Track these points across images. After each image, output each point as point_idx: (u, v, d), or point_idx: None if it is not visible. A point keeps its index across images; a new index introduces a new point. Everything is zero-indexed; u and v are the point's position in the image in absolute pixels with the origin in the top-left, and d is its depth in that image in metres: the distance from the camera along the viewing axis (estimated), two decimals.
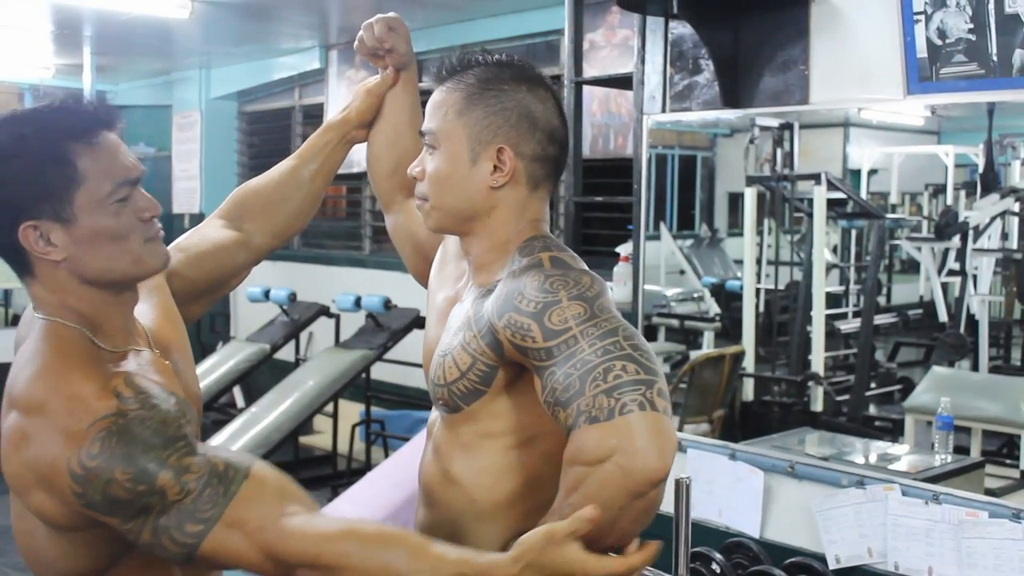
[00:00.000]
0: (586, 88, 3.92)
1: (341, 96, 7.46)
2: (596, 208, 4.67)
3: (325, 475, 6.29)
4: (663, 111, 3.43)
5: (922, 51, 2.79)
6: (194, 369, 1.73)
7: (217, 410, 7.25)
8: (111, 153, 1.47)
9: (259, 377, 6.87)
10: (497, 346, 1.51)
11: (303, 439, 6.63)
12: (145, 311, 1.65)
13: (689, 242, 7.42)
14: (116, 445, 1.35)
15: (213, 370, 6.50)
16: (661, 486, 1.36)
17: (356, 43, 1.94)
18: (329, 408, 6.12)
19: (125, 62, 8.69)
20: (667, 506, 2.04)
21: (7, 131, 1.44)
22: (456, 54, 1.66)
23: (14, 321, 8.82)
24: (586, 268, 1.55)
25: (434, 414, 1.71)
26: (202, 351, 7.53)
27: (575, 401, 1.38)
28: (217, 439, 5.57)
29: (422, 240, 1.88)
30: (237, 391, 7.57)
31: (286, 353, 6.87)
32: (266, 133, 8.83)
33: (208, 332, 8.04)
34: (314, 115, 8.06)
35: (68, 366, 1.43)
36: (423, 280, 1.88)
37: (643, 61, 3.45)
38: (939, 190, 7.19)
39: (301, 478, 6.57)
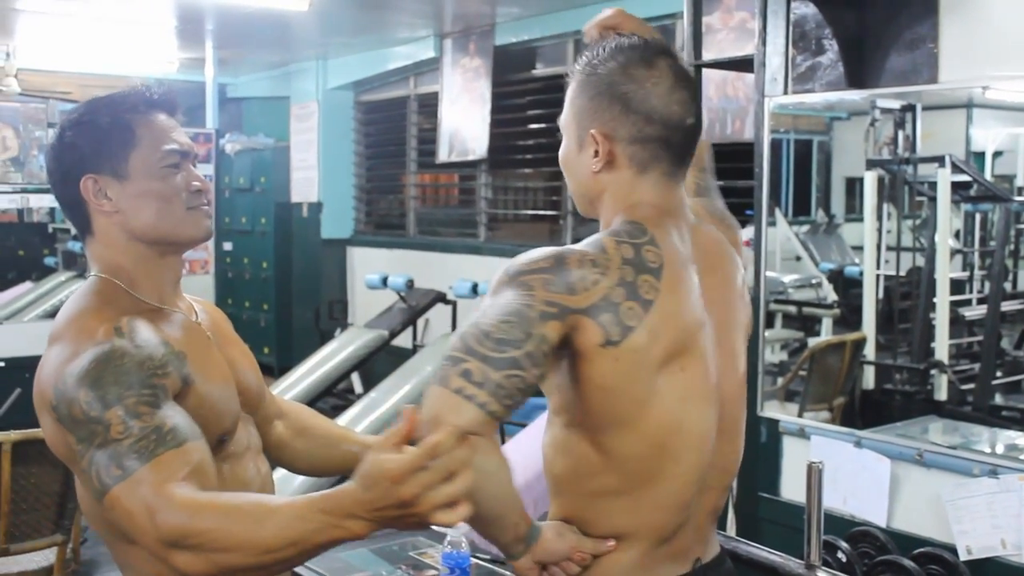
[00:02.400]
0: (704, 72, 3.88)
1: (456, 84, 7.51)
2: None
3: None
4: (785, 93, 3.38)
5: None
6: (252, 367, 1.84)
7: (336, 395, 7.39)
8: (164, 127, 1.68)
9: (377, 363, 6.98)
10: None
11: None
12: (217, 325, 1.83)
13: (805, 228, 7.29)
14: (92, 370, 1.47)
15: (332, 356, 6.61)
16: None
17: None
18: None
19: (245, 55, 8.89)
20: (797, 494, 2.03)
21: (86, 105, 1.68)
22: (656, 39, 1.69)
23: None
24: (584, 256, 1.53)
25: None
26: (321, 338, 7.67)
27: None
28: (337, 424, 5.67)
29: None
30: (355, 377, 7.69)
31: (404, 339, 6.96)
32: (382, 122, 8.94)
33: (327, 319, 8.18)
34: (429, 103, 8.14)
35: (95, 307, 1.60)
36: None
37: (764, 42, 3.40)
38: None
39: None
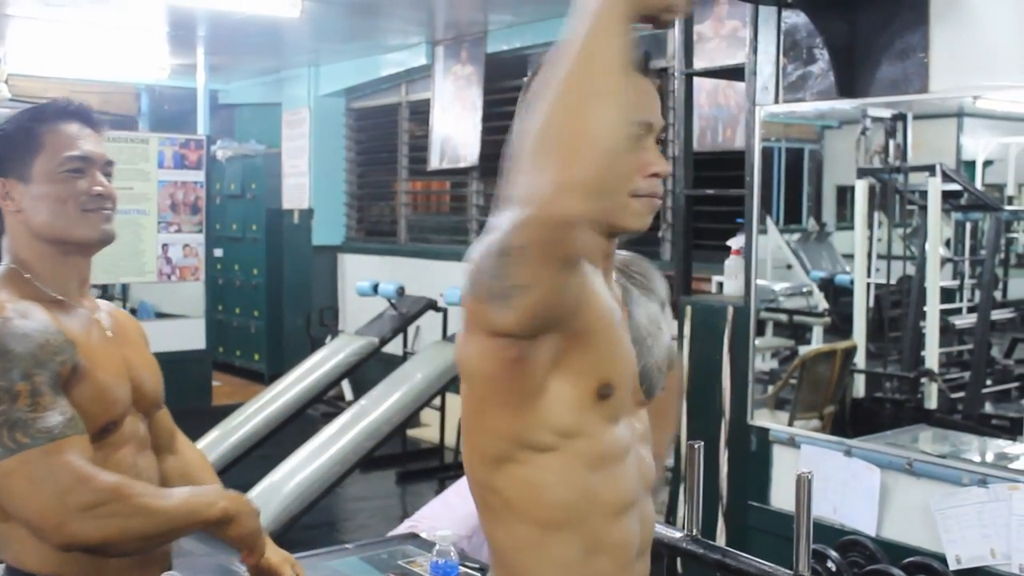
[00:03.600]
0: (694, 81, 3.88)
1: (447, 91, 7.51)
2: (704, 201, 4.63)
3: (432, 467, 6.35)
4: (776, 102, 3.39)
5: None
6: (152, 372, 2.02)
7: (326, 403, 7.38)
8: (72, 135, 1.84)
9: (368, 370, 6.96)
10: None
11: (411, 432, 6.72)
12: (122, 326, 1.96)
13: (796, 236, 7.29)
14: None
15: (322, 363, 6.60)
16: None
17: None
18: (437, 401, 6.17)
19: (237, 61, 8.88)
20: (787, 503, 2.02)
21: (10, 117, 1.87)
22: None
23: (131, 314, 9.09)
24: None
25: (627, 428, 1.58)
26: (311, 345, 7.66)
27: None
28: (327, 431, 5.67)
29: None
30: (346, 384, 7.68)
31: (394, 347, 6.96)
32: (373, 129, 8.94)
33: (317, 326, 8.17)
34: (420, 111, 8.13)
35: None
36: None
37: (755, 51, 3.41)
38: None
39: (409, 470, 6.71)
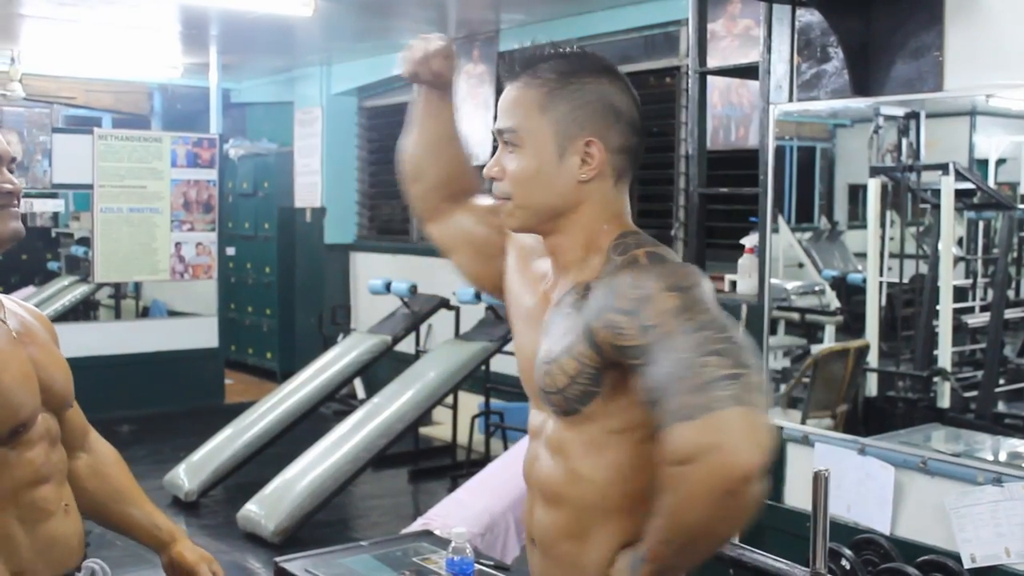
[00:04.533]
0: (708, 79, 3.88)
1: (459, 90, 7.49)
2: (717, 200, 4.63)
3: (445, 466, 6.36)
4: (790, 100, 3.39)
5: None
6: (62, 372, 1.96)
7: (339, 401, 7.39)
8: None
9: (380, 369, 6.97)
10: (597, 348, 1.50)
11: (423, 430, 6.72)
12: (29, 327, 1.92)
13: (808, 235, 7.28)
14: None
15: (335, 362, 6.61)
16: (756, 483, 1.32)
17: (403, 66, 1.94)
18: (449, 400, 6.18)
19: (249, 60, 8.90)
20: (801, 501, 2.03)
21: None
22: (525, 49, 1.65)
23: (144, 312, 9.12)
24: (682, 261, 1.56)
25: (539, 417, 1.68)
26: (323, 343, 7.68)
27: (667, 399, 1.36)
28: (340, 429, 5.68)
29: (481, 243, 1.88)
30: (358, 382, 7.70)
31: (407, 345, 6.96)
32: (386, 128, 8.94)
33: (330, 324, 8.18)
34: None
35: None
36: (485, 284, 1.91)
37: (769, 50, 3.41)
38: None
39: (421, 468, 6.72)
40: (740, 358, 1.36)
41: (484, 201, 1.88)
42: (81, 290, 8.66)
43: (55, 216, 9.31)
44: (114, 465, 2.10)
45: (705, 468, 1.31)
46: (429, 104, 1.94)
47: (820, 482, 1.87)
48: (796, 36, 3.35)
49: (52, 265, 9.34)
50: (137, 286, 9.01)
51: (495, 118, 1.66)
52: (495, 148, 1.68)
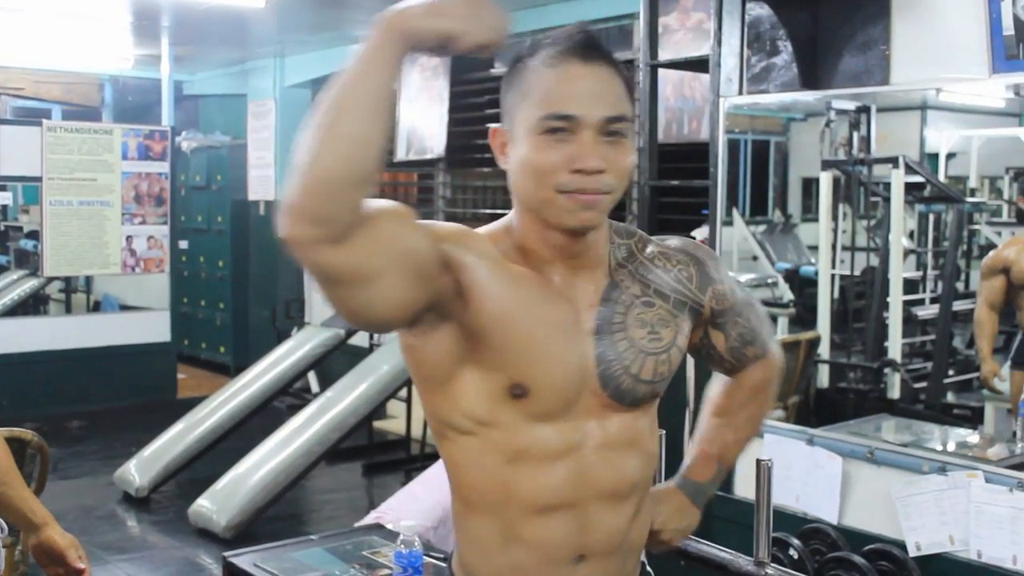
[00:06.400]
0: (660, 72, 3.90)
1: (413, 83, 7.49)
2: (669, 192, 4.65)
3: (399, 459, 6.35)
4: (740, 93, 3.40)
5: (1008, 29, 2.74)
6: None
7: (292, 395, 7.36)
8: None
9: (333, 362, 6.95)
10: (698, 318, 1.68)
11: (377, 424, 6.70)
12: None
13: (762, 228, 7.33)
14: None
15: (288, 355, 6.58)
16: None
17: (491, 34, 1.41)
18: (403, 393, 6.17)
19: (202, 52, 8.82)
20: (751, 492, 2.04)
21: None
22: (585, 29, 1.53)
23: (95, 307, 9.02)
24: None
25: (579, 428, 1.56)
26: (277, 337, 7.63)
27: (759, 336, 1.77)
28: (293, 423, 5.65)
29: (424, 261, 1.44)
30: (312, 376, 7.66)
31: (360, 338, 6.94)
32: None
33: (283, 318, 8.13)
34: None
35: None
36: (407, 315, 1.46)
37: (719, 43, 3.42)
38: (1020, 174, 7.01)
39: (375, 462, 6.69)
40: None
41: (395, 207, 1.45)
42: (31, 284, 8.55)
43: (3, 209, 9.17)
44: None
45: (778, 374, 1.84)
46: (392, 85, 1.41)
47: (763, 472, 1.88)
48: (746, 30, 3.37)
49: (1, 259, 9.21)
50: (88, 280, 8.91)
51: (579, 102, 1.47)
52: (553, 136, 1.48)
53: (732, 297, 1.70)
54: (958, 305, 5.95)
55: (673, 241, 1.69)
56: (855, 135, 5.49)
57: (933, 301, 5.89)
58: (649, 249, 1.63)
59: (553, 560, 1.57)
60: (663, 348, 1.58)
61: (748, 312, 1.74)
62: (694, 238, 3.69)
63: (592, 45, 1.51)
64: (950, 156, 7.05)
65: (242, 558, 2.51)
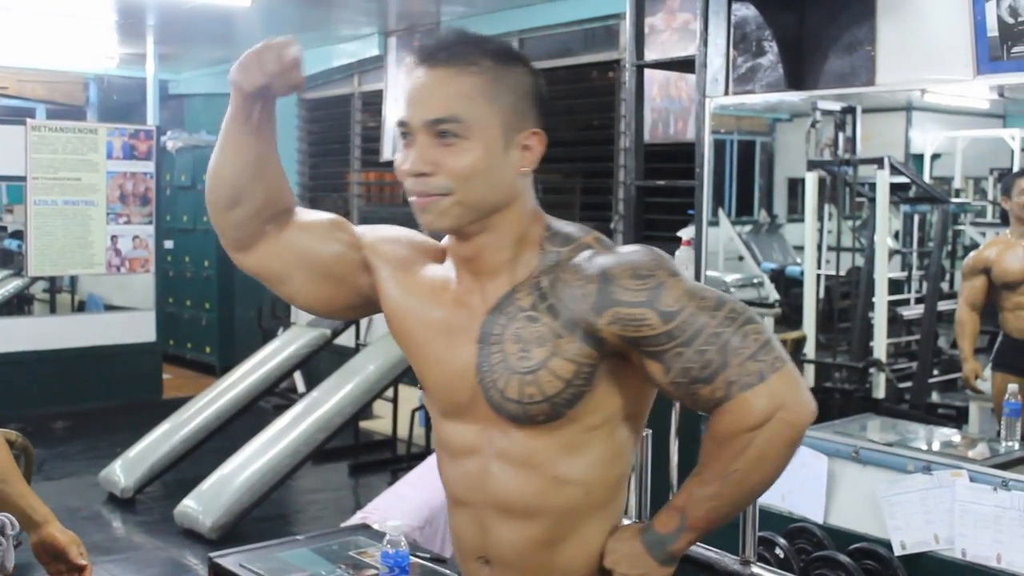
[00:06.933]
0: (646, 73, 3.90)
1: (400, 82, 7.48)
2: (655, 192, 4.66)
3: (385, 459, 6.34)
4: (726, 94, 3.41)
5: (993, 30, 2.75)
6: None
7: (278, 395, 7.34)
8: None
9: (320, 362, 6.94)
10: (599, 344, 1.46)
11: (363, 424, 6.69)
12: None
13: (748, 228, 7.35)
14: None
15: (274, 355, 6.56)
16: None
17: (250, 77, 1.59)
18: (389, 393, 6.16)
19: (187, 51, 8.80)
20: None
21: None
22: (438, 32, 1.60)
23: (80, 307, 8.99)
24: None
25: (472, 431, 1.57)
26: (263, 337, 7.62)
27: (721, 374, 1.41)
28: (279, 423, 5.64)
29: (328, 263, 1.64)
30: (298, 376, 7.64)
31: (346, 338, 6.92)
32: (326, 120, 8.89)
33: (269, 318, 8.11)
34: (373, 102, 8.10)
35: None
36: (335, 307, 1.69)
37: (705, 43, 3.43)
38: (1004, 174, 7.05)
39: (361, 462, 6.68)
40: (760, 324, 1.44)
41: (316, 216, 1.69)
42: (15, 284, 8.51)
43: None
44: None
45: (776, 427, 1.41)
46: (261, 119, 1.61)
47: None
48: (732, 30, 3.38)
49: None
50: (72, 280, 8.87)
51: (408, 107, 1.49)
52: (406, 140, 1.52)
53: (666, 323, 1.42)
54: (943, 305, 5.97)
55: (625, 250, 1.49)
56: (840, 136, 5.51)
57: (918, 301, 5.92)
58: (575, 260, 1.49)
59: (465, 554, 1.65)
60: (530, 369, 1.47)
61: (703, 343, 1.41)
62: (679, 238, 3.71)
63: (438, 47, 1.48)
64: (935, 157, 7.08)
65: (228, 559, 2.50)
